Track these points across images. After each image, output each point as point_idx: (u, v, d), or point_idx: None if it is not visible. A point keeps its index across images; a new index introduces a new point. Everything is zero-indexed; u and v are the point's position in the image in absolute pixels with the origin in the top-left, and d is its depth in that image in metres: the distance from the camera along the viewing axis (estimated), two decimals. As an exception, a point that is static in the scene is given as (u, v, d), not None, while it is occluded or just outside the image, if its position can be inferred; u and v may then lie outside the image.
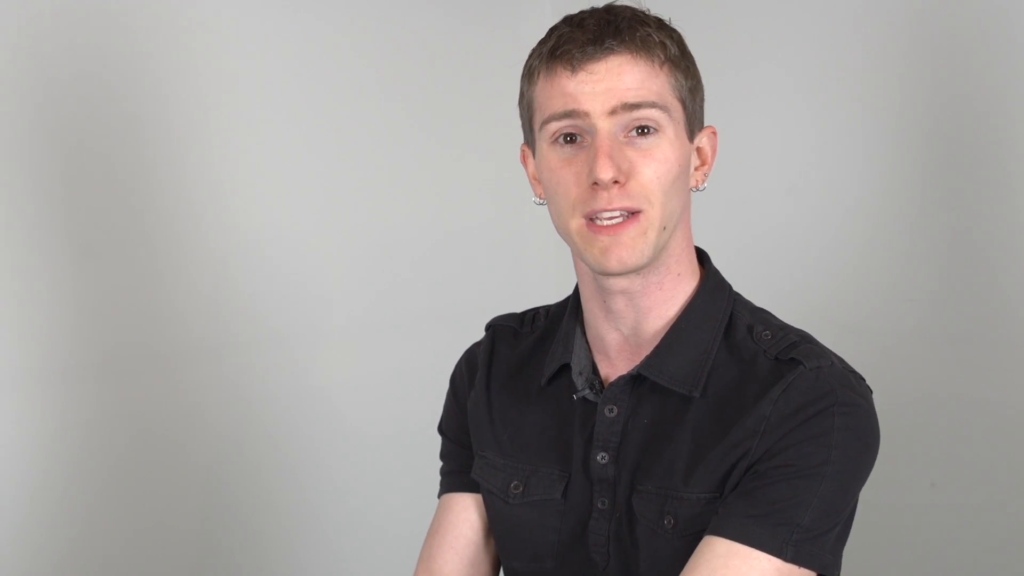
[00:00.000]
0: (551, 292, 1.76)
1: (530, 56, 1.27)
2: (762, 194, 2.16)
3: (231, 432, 2.10)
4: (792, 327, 1.28)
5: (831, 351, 1.25)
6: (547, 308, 1.43)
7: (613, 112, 1.20)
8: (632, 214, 1.20)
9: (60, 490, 1.91)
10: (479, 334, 1.46)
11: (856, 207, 2.03)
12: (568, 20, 1.25)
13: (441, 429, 1.46)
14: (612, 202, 1.19)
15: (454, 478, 1.42)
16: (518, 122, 1.32)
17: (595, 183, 1.19)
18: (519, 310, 1.48)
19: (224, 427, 2.09)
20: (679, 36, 1.26)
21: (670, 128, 1.22)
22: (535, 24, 2.40)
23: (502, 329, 1.43)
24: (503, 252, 2.44)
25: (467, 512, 1.40)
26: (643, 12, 1.25)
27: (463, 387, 1.43)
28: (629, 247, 1.20)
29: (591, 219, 1.21)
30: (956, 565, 1.92)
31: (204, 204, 2.05)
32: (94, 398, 1.95)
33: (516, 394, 1.37)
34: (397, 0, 2.26)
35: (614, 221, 1.20)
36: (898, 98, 1.97)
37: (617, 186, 1.19)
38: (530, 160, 1.31)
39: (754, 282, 1.41)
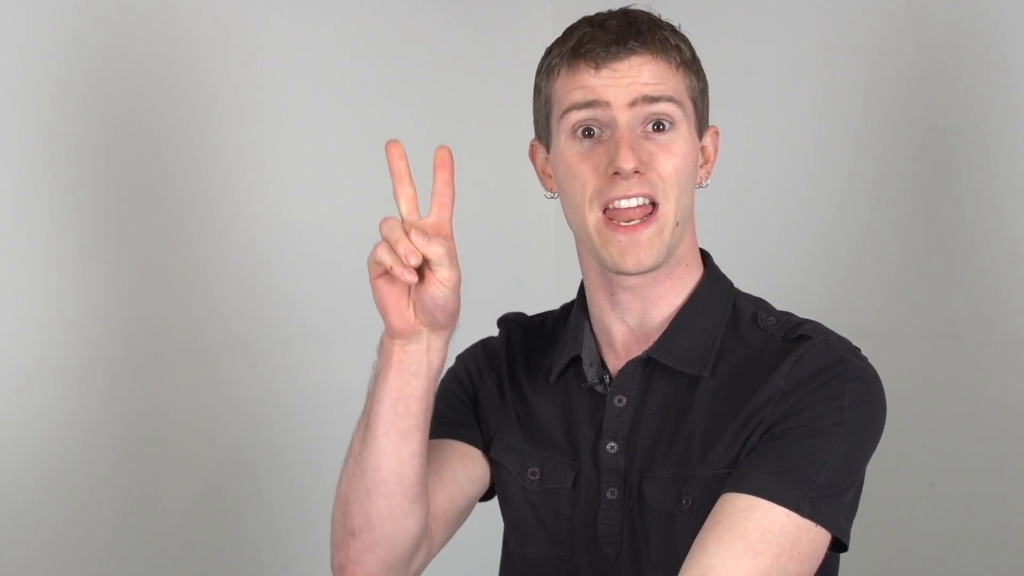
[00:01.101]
0: (551, 292, 1.76)
1: (548, 54, 1.31)
2: (761, 194, 2.16)
3: (261, 423, 2.11)
4: (792, 313, 1.32)
5: (836, 332, 1.29)
6: (552, 314, 1.46)
7: (633, 104, 1.24)
8: (652, 208, 1.24)
9: (90, 479, 1.92)
10: (481, 332, 1.48)
11: (855, 207, 2.04)
12: (589, 21, 1.29)
13: (440, 393, 1.44)
14: (631, 188, 1.23)
15: (454, 429, 1.42)
16: (520, 122, 1.34)
17: (616, 173, 1.23)
18: (520, 310, 1.50)
19: (255, 418, 2.10)
20: (689, 41, 1.31)
21: (684, 125, 1.27)
22: (536, 25, 2.43)
23: (513, 324, 1.46)
24: (505, 252, 2.45)
25: (466, 456, 1.41)
26: (656, 16, 1.30)
27: (476, 366, 1.44)
28: (646, 248, 1.24)
29: (607, 212, 1.24)
30: (956, 565, 1.93)
31: (236, 200, 2.08)
32: (128, 389, 1.96)
33: (527, 387, 1.40)
34: (402, 6, 2.27)
35: (632, 222, 1.24)
36: (898, 98, 1.97)
37: (637, 176, 1.23)
38: (539, 155, 1.35)
39: (752, 282, 1.42)
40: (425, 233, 1.16)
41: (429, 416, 1.27)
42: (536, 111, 1.34)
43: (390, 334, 1.23)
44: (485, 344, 1.47)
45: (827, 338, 1.26)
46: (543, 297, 1.56)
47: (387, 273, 1.18)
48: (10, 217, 1.83)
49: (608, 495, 1.30)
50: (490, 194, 2.42)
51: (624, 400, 1.31)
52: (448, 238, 1.18)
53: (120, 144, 1.95)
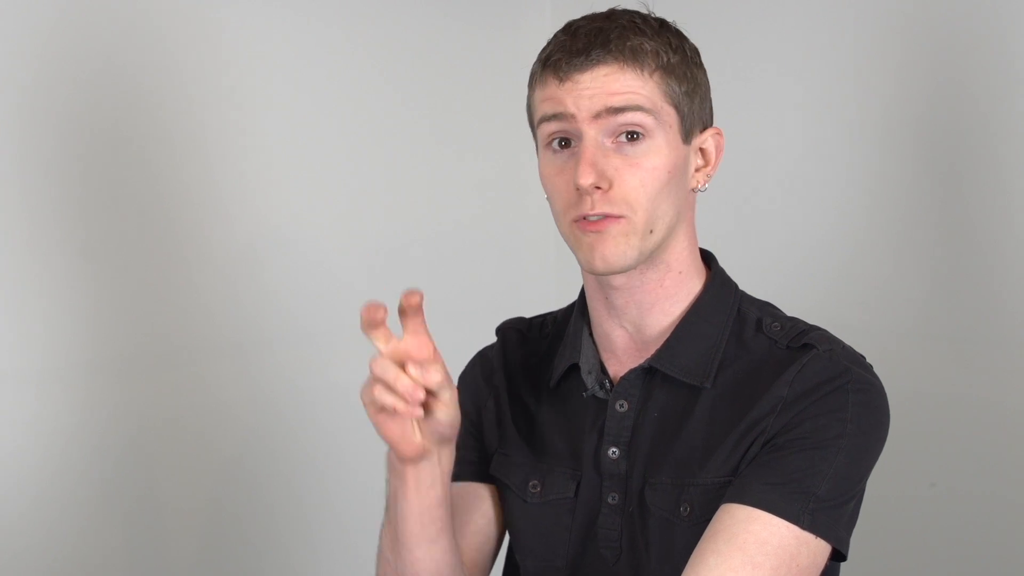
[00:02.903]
0: (551, 292, 1.76)
1: (535, 61, 1.29)
2: (760, 194, 2.16)
3: (255, 426, 2.11)
4: (800, 319, 1.31)
5: (843, 341, 1.28)
6: (554, 315, 1.45)
7: (598, 116, 1.21)
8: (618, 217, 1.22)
9: (81, 481, 1.92)
10: (485, 331, 1.48)
11: (855, 207, 2.04)
12: (567, 27, 1.26)
13: None
14: (595, 206, 1.21)
15: (468, 469, 1.42)
16: (520, 122, 1.33)
17: (578, 188, 1.21)
18: (523, 312, 1.49)
19: (247, 421, 2.10)
20: (678, 42, 1.26)
21: (660, 134, 1.23)
22: (536, 25, 2.42)
23: (511, 332, 1.45)
24: (505, 252, 2.45)
25: (482, 498, 1.41)
26: (642, 18, 1.26)
27: (475, 388, 1.43)
28: (611, 246, 1.22)
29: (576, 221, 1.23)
30: (956, 565, 1.93)
31: (227, 201, 2.07)
32: (119, 393, 1.95)
33: (527, 397, 1.39)
34: (402, 5, 2.27)
35: (597, 218, 1.22)
36: (898, 98, 1.97)
37: (600, 191, 1.21)
38: None
39: (752, 283, 1.41)
40: (419, 363, 1.13)
41: (450, 510, 1.27)
42: (527, 118, 1.33)
43: (401, 461, 1.20)
44: (482, 359, 1.45)
45: (831, 347, 1.25)
46: (543, 297, 1.56)
47: (382, 411, 1.15)
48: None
49: (609, 500, 1.30)
50: (490, 194, 2.42)
51: (626, 405, 1.30)
52: (436, 355, 1.15)
53: (109, 148, 1.94)
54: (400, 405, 1.13)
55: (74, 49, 1.90)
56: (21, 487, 1.86)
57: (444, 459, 1.22)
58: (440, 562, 1.27)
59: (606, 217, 1.22)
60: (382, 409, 1.15)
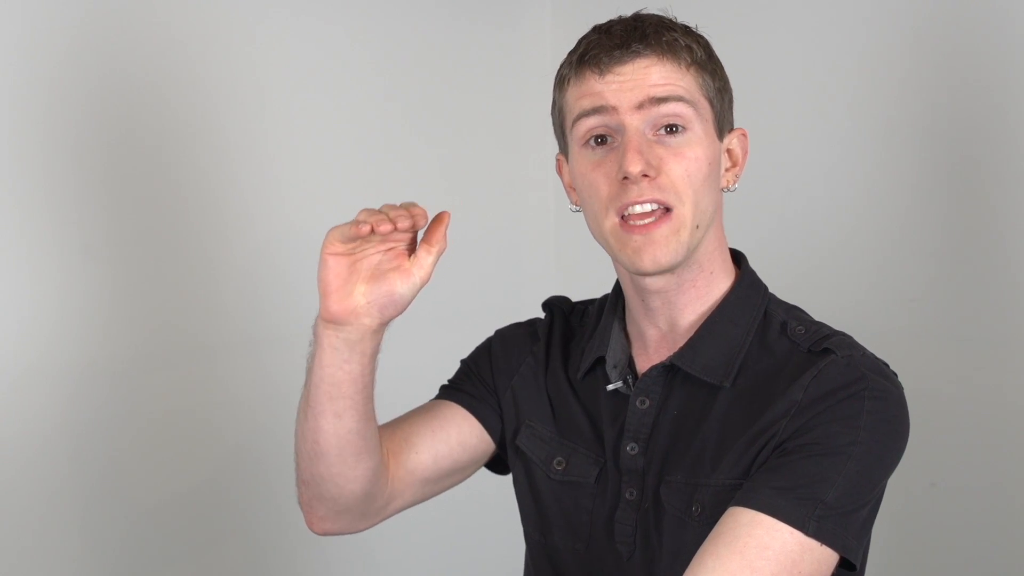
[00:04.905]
0: (551, 292, 1.75)
1: (560, 66, 1.30)
2: (763, 194, 2.15)
3: (270, 424, 2.10)
4: (827, 324, 1.30)
5: (865, 348, 1.27)
6: (595, 303, 1.45)
7: (640, 106, 1.23)
8: (665, 211, 1.23)
9: (95, 479, 1.92)
10: (484, 331, 1.48)
11: (856, 207, 2.03)
12: (596, 28, 1.28)
13: (466, 362, 1.48)
14: (643, 194, 1.22)
15: (464, 398, 1.43)
16: (519, 120, 1.33)
17: (625, 177, 1.21)
18: (522, 313, 1.50)
19: (262, 419, 2.10)
20: (706, 42, 1.29)
21: (698, 125, 1.25)
22: (536, 24, 2.43)
23: (557, 310, 1.46)
24: (505, 251, 2.45)
25: (466, 423, 1.42)
26: (669, 19, 1.29)
27: (516, 345, 1.44)
28: (663, 246, 1.23)
29: (624, 217, 1.23)
30: (956, 564, 1.93)
31: (246, 200, 2.08)
32: (134, 390, 1.95)
33: (560, 376, 1.40)
34: (404, 6, 2.28)
35: (646, 220, 1.23)
36: (900, 101, 1.97)
37: (647, 180, 1.22)
38: (565, 169, 1.34)
39: (765, 282, 1.41)
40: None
41: (369, 392, 1.28)
42: (553, 124, 1.33)
43: (324, 318, 1.23)
44: (530, 326, 1.46)
45: (851, 354, 1.23)
46: (543, 298, 1.56)
47: (341, 254, 1.18)
48: (12, 216, 1.83)
49: (627, 495, 1.30)
50: (490, 193, 2.41)
51: (647, 402, 1.30)
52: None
53: (122, 143, 1.95)
54: (382, 225, 1.15)
55: (99, 52, 1.90)
56: (32, 481, 1.86)
57: (367, 340, 1.23)
58: (343, 439, 1.28)
59: (656, 219, 1.22)
60: (339, 252, 1.18)
